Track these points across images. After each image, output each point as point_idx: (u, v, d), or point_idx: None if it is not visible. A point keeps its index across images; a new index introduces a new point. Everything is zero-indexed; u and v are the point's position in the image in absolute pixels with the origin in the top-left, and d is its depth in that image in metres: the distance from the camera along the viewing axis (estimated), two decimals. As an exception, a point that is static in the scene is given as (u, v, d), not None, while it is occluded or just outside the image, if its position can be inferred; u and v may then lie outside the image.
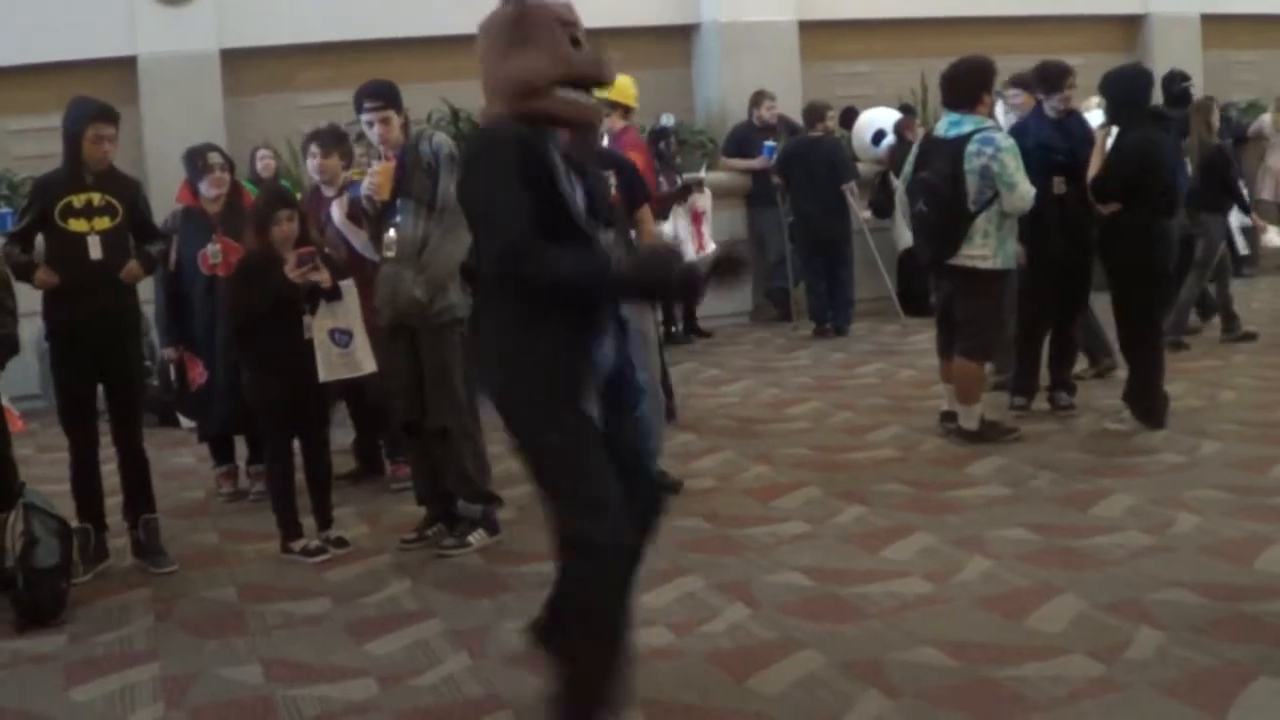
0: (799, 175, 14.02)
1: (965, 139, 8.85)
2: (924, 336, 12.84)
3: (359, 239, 8.14)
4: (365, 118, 7.54)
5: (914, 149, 9.66)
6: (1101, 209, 9.19)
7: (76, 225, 7.38)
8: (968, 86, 9.03)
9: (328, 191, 8.82)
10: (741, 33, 15.95)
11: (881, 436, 9.66)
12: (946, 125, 9.05)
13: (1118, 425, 9.26)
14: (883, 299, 14.55)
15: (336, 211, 8.39)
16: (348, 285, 7.79)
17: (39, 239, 7.54)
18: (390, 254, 7.45)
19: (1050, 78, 9.78)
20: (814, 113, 14.37)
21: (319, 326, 7.66)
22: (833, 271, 14.22)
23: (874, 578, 6.71)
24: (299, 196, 8.94)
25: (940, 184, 8.84)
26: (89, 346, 7.45)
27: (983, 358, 9.11)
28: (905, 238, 14.40)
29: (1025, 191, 8.83)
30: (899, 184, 14.47)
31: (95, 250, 7.40)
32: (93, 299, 7.37)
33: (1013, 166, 8.80)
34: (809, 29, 16.31)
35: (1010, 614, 6.12)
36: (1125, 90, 9.29)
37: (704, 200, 13.97)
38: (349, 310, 7.75)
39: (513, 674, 5.71)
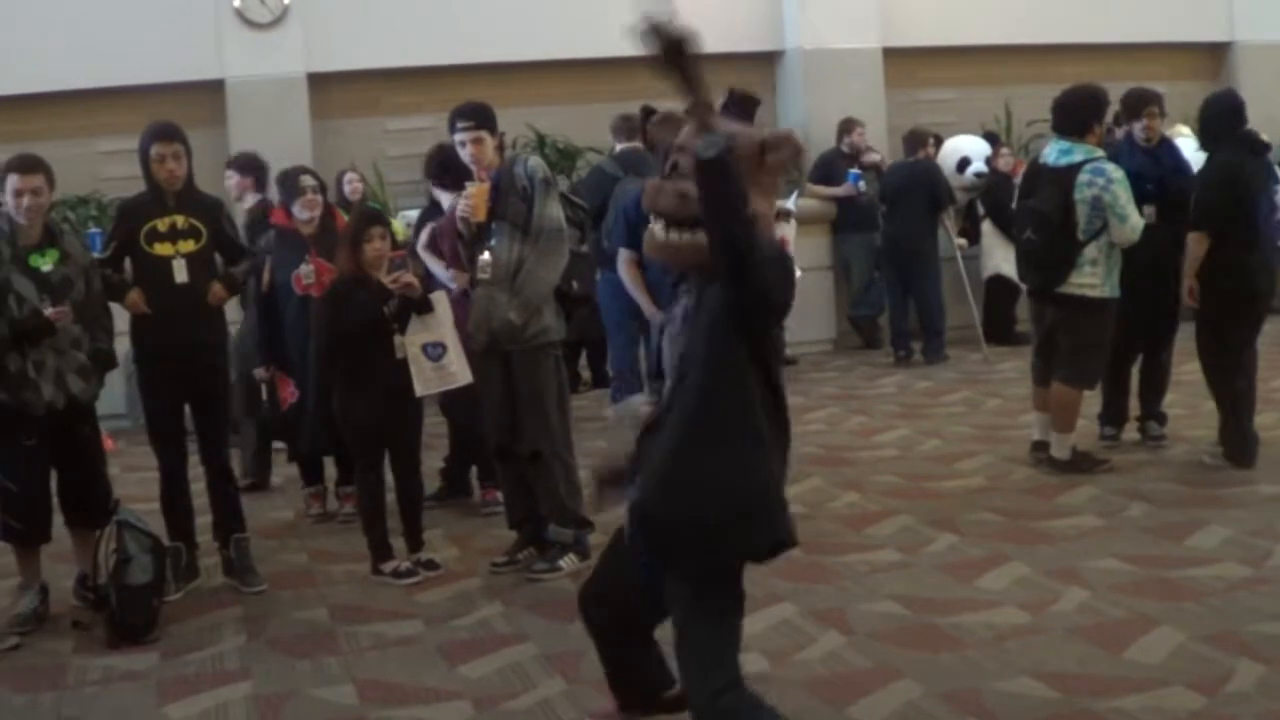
0: (894, 199, 13.95)
1: (1076, 168, 8.79)
2: (1010, 365, 12.79)
3: (439, 266, 8.15)
4: (458, 137, 7.56)
5: (1020, 177, 9.58)
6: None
7: (161, 249, 7.42)
8: (1079, 114, 8.97)
9: None
10: (825, 60, 15.90)
11: (971, 465, 9.58)
12: (1056, 153, 8.97)
13: (1213, 460, 9.10)
14: (966, 327, 14.42)
15: (423, 236, 8.40)
16: (438, 296, 7.80)
17: (126, 262, 7.58)
18: (485, 276, 7.43)
19: (1129, 104, 9.75)
20: (915, 139, 14.29)
21: (411, 342, 7.66)
22: (918, 294, 14.02)
23: (969, 607, 6.66)
24: (394, 221, 8.93)
25: (1051, 212, 8.77)
26: (176, 368, 7.48)
27: (1083, 385, 9.02)
28: (991, 265, 14.36)
29: (1136, 223, 8.76)
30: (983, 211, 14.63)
31: (180, 274, 7.43)
32: (179, 322, 7.39)
33: (1124, 198, 8.72)
34: (893, 56, 16.25)
35: (1108, 645, 6.06)
36: (1214, 116, 9.19)
37: (789, 229, 13.88)
38: (441, 322, 7.72)
39: (608, 699, 5.67)
